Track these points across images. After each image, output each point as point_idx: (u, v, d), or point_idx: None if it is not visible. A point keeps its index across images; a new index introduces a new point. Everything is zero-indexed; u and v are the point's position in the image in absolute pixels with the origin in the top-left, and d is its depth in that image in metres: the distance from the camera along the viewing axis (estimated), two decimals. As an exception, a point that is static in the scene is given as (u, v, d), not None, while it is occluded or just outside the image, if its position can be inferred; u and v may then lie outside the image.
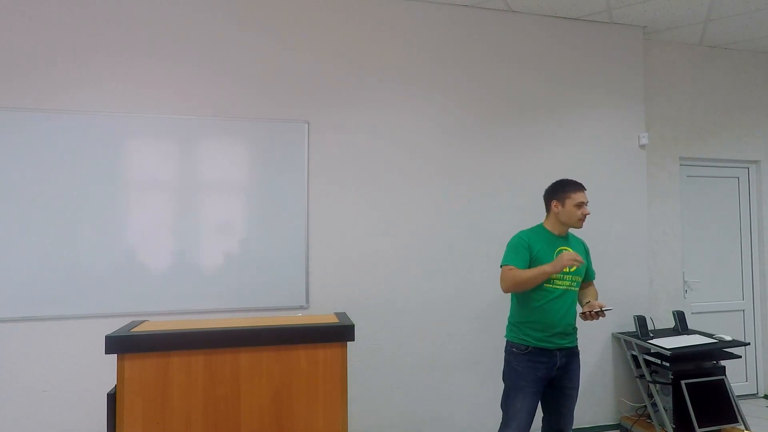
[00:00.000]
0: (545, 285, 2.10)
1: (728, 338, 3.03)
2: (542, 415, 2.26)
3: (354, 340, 1.78)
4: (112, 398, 1.60)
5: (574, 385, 2.19)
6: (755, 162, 3.94)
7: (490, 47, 3.20)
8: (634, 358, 3.18)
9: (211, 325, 1.73)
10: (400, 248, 2.99)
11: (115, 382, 1.61)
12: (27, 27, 2.59)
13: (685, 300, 3.72)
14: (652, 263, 3.54)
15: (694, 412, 2.83)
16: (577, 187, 2.22)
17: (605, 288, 3.29)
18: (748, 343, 3.11)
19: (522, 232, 2.24)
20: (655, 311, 3.53)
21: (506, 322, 2.28)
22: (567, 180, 2.26)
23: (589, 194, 3.26)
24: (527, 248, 2.15)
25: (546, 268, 2.04)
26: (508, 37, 3.24)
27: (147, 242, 2.64)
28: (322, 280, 2.86)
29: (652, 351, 3.00)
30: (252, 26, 2.85)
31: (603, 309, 2.03)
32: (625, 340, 3.24)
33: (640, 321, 3.16)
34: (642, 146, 3.44)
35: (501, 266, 2.17)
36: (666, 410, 2.96)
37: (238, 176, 2.78)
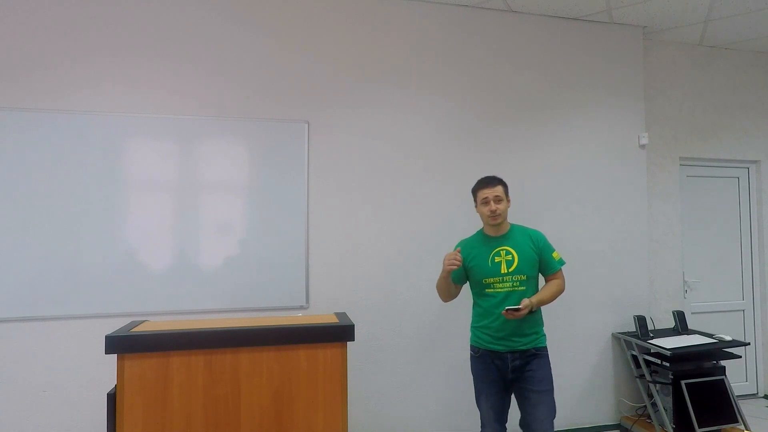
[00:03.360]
0: (487, 291, 2.13)
1: (728, 338, 3.03)
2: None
3: (354, 340, 1.78)
4: (112, 398, 1.60)
5: (538, 388, 2.09)
6: (755, 162, 3.94)
7: (490, 47, 3.20)
8: (634, 358, 3.18)
9: (211, 325, 1.73)
10: (400, 248, 2.99)
11: (115, 382, 1.61)
12: (27, 27, 2.59)
13: (685, 300, 3.72)
14: (652, 263, 3.54)
15: (694, 412, 2.83)
16: (483, 183, 2.19)
17: (605, 288, 3.30)
18: (748, 343, 3.11)
19: (461, 241, 2.30)
20: (655, 311, 3.53)
21: None
22: (478, 180, 2.23)
23: (589, 194, 3.33)
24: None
25: (442, 273, 2.14)
26: (508, 37, 3.24)
27: (147, 242, 2.64)
28: (322, 280, 2.86)
29: (652, 351, 3.00)
30: (252, 26, 2.85)
31: (509, 309, 2.00)
32: (625, 340, 3.24)
33: (640, 321, 3.16)
34: (642, 146, 3.44)
35: None
36: (666, 410, 2.96)
37: (238, 176, 2.78)
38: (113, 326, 2.43)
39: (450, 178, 3.09)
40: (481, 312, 2.18)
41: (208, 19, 2.80)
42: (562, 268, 2.23)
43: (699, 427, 2.81)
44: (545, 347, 2.18)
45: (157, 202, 2.67)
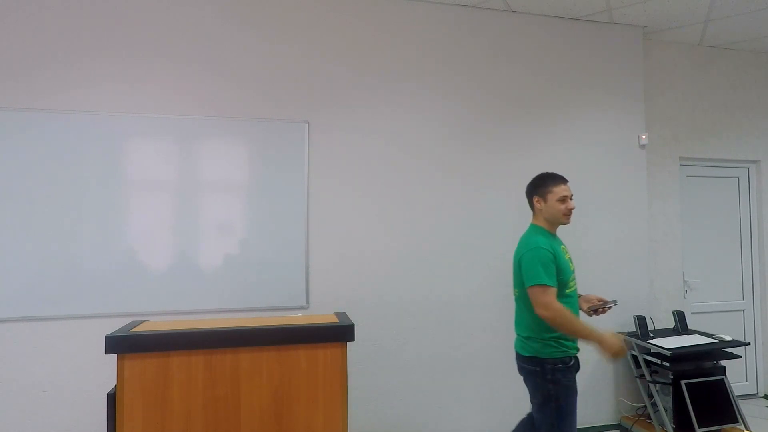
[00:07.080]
0: (566, 291, 2.01)
1: (728, 338, 3.03)
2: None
3: (354, 340, 1.78)
4: (112, 398, 1.60)
5: None
6: (755, 162, 3.94)
7: (490, 47, 3.20)
8: (634, 358, 3.18)
9: (211, 325, 1.73)
10: (400, 248, 2.99)
11: (115, 382, 1.61)
12: (27, 27, 2.59)
13: (685, 300, 3.72)
14: (652, 263, 3.54)
15: (694, 412, 2.83)
16: (559, 180, 2.11)
17: (605, 288, 3.30)
18: (748, 343, 3.11)
19: (540, 239, 2.01)
20: (655, 311, 3.53)
21: (525, 334, 2.05)
22: (547, 174, 2.14)
23: (589, 194, 3.33)
24: (554, 262, 1.96)
25: (595, 336, 1.87)
26: (508, 37, 3.24)
27: (147, 242, 2.64)
28: (322, 280, 2.86)
29: (652, 351, 3.00)
30: (252, 26, 2.85)
31: (606, 307, 2.09)
32: (625, 340, 3.24)
33: (640, 321, 3.16)
34: (642, 146, 3.44)
35: (535, 284, 1.91)
36: (666, 410, 2.96)
37: (238, 176, 2.78)
38: (113, 326, 2.43)
39: (449, 177, 3.09)
40: None
41: (208, 19, 2.80)
42: None
43: (699, 427, 2.81)
44: None
45: (157, 202, 2.67)
